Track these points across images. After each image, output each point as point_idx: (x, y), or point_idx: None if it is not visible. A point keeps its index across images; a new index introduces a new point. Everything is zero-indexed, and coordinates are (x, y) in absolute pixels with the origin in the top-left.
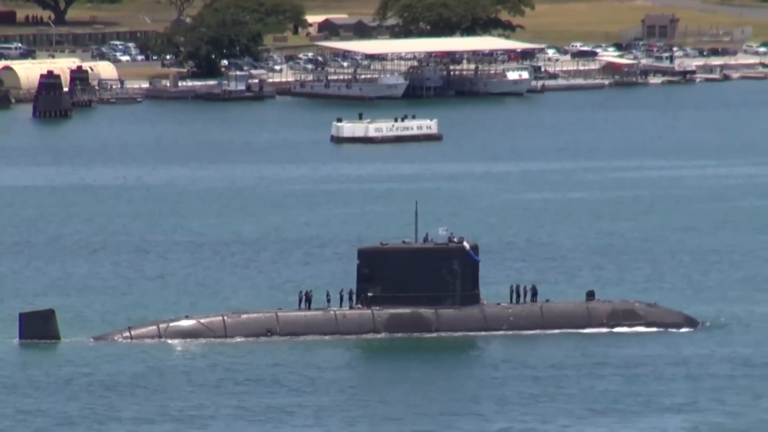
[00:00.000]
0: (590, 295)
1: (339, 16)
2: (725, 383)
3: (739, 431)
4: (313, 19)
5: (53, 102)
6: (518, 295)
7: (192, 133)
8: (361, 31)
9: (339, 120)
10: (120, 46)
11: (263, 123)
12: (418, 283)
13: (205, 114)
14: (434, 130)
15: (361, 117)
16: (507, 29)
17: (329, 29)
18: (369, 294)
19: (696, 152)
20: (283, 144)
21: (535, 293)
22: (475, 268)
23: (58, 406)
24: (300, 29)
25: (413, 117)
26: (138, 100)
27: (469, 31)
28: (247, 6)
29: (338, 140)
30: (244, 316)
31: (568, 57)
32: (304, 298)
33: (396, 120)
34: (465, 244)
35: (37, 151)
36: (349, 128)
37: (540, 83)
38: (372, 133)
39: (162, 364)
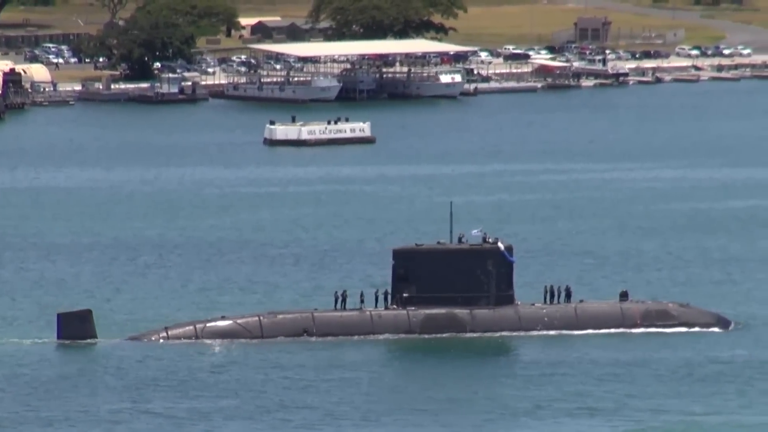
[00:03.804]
0: (624, 295)
1: (272, 19)
2: (759, 383)
3: None
4: (246, 21)
5: None
6: (552, 296)
7: (125, 136)
8: (294, 33)
9: (272, 122)
10: (53, 49)
11: (196, 125)
12: (452, 283)
13: (137, 116)
14: (367, 132)
15: (294, 119)
16: (440, 32)
17: (262, 32)
18: (404, 294)
19: (653, 154)
20: (215, 146)
21: (569, 294)
22: (509, 268)
23: (95, 404)
24: (233, 32)
25: (346, 120)
26: (71, 102)
27: (402, 33)
28: (180, 9)
29: (271, 143)
30: (281, 316)
31: (500, 60)
32: (339, 298)
33: (329, 123)
34: (499, 244)
35: None
36: (282, 131)
37: (473, 86)
38: (305, 136)
39: (198, 365)
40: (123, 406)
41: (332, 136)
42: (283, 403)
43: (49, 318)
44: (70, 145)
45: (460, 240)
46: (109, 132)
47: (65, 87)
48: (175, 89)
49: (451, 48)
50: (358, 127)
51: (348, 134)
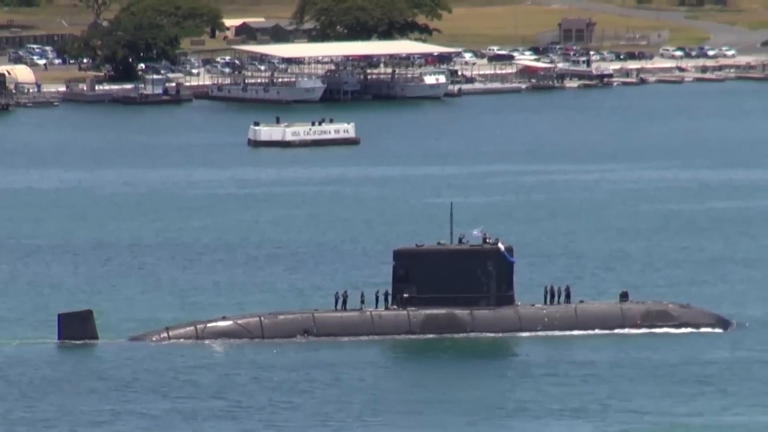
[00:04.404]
0: (624, 296)
1: (256, 20)
2: (759, 384)
3: None
4: (231, 22)
5: None
6: (552, 296)
7: (109, 137)
8: (279, 34)
9: (256, 124)
10: (37, 50)
11: (180, 126)
12: (453, 284)
13: (122, 118)
14: (351, 134)
15: (278, 121)
16: (424, 33)
17: (246, 33)
18: (404, 295)
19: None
20: (199, 147)
21: (568, 294)
22: (509, 269)
23: (95, 405)
24: (217, 33)
25: (330, 121)
26: (55, 103)
27: (386, 34)
28: (165, 9)
29: (255, 144)
30: (281, 316)
31: (485, 61)
32: (340, 299)
33: (313, 124)
34: (500, 245)
35: None
36: (267, 132)
37: (457, 87)
38: (289, 137)
39: (200, 365)
40: (126, 407)
41: (316, 137)
42: (286, 404)
43: (35, 319)
44: (54, 146)
45: (460, 240)
46: (93, 133)
47: (49, 88)
48: (159, 90)
49: (435, 49)
50: (342, 128)
51: (332, 135)
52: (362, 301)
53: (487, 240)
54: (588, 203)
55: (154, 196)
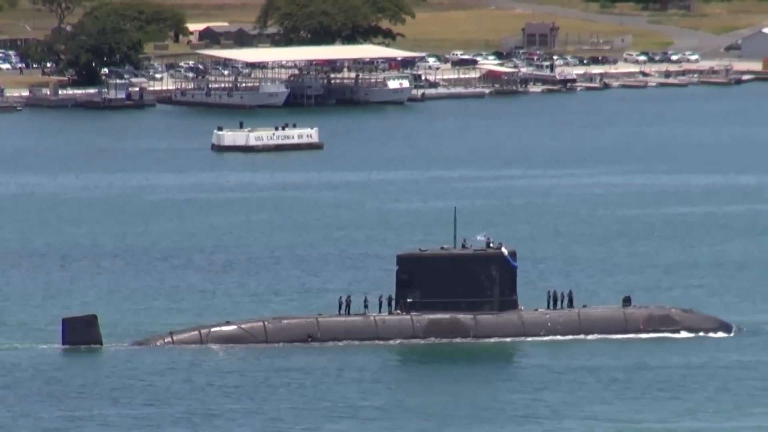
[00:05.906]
0: (627, 300)
1: (220, 24)
2: (760, 389)
3: None
4: (194, 27)
5: None
6: (555, 301)
7: (72, 142)
8: (242, 39)
9: (219, 128)
10: (0, 54)
11: (143, 131)
12: (456, 288)
13: (85, 122)
14: (315, 138)
15: (241, 126)
16: (387, 37)
17: (210, 37)
18: (408, 299)
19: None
20: (163, 152)
21: (571, 299)
22: (513, 273)
23: (100, 410)
24: (181, 37)
25: (294, 126)
26: (18, 108)
27: (350, 39)
28: (128, 14)
29: (219, 149)
30: (285, 321)
31: (448, 65)
32: (344, 303)
33: (276, 129)
34: (503, 249)
35: None
36: (230, 137)
37: (420, 92)
38: (252, 142)
39: (203, 370)
40: (130, 411)
41: (280, 142)
42: (289, 408)
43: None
44: (17, 150)
45: (463, 245)
46: (56, 137)
47: (12, 93)
48: (122, 95)
49: (398, 54)
50: (306, 133)
51: (296, 140)
52: (366, 306)
53: (491, 244)
54: (557, 207)
55: (117, 201)
